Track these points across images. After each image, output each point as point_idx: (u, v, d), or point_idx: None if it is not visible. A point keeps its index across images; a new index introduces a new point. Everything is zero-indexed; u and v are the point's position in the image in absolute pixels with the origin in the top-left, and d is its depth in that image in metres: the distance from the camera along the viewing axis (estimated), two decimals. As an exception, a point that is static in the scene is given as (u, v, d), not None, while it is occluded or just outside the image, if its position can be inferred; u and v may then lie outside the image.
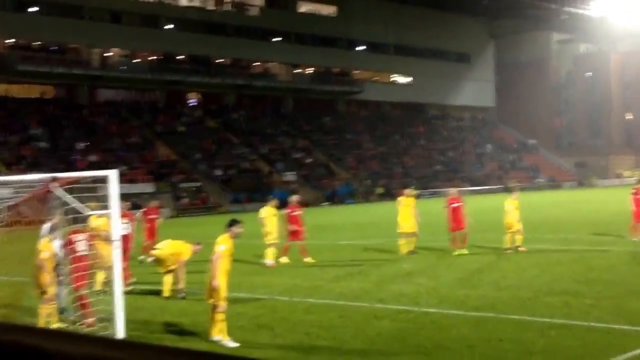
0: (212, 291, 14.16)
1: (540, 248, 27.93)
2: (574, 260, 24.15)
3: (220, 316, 14.08)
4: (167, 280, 20.17)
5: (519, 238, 27.71)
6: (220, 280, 14.10)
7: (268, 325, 15.55)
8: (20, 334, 2.61)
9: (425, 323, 15.21)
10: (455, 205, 28.29)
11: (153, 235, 30.14)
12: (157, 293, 20.29)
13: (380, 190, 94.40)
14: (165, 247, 20.79)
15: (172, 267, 20.16)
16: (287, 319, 16.27)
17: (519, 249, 27.33)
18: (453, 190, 29.95)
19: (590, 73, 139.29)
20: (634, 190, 30.48)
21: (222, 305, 14.08)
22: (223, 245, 14.31)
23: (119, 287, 14.03)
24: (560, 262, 24.00)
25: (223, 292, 14.16)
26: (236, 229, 14.73)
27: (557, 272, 21.60)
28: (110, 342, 2.62)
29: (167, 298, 19.76)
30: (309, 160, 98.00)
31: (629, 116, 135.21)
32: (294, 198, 29.21)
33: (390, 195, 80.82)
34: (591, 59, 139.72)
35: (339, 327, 15.11)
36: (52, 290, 15.73)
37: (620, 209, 36.94)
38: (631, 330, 13.66)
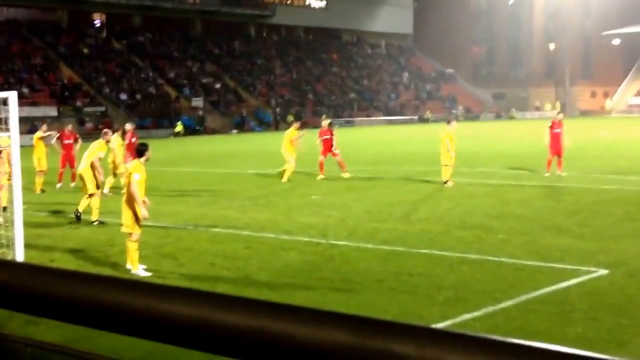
0: (128, 219, 14.12)
1: (454, 181, 27.49)
2: (488, 194, 24.64)
3: (133, 245, 14.11)
4: (94, 205, 20.22)
5: (445, 171, 27.48)
6: (136, 208, 14.06)
7: (172, 255, 15.67)
8: None
9: (333, 256, 15.28)
10: (325, 137, 32.24)
11: (71, 161, 29.41)
12: (59, 222, 20.68)
13: (291, 118, 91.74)
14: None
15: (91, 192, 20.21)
16: (192, 248, 16.40)
17: (445, 184, 27.12)
18: (324, 123, 33.64)
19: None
20: (551, 124, 30.94)
21: (136, 233, 14.10)
22: (137, 173, 14.15)
23: (18, 212, 13.92)
24: (474, 195, 24.43)
25: (137, 220, 14.13)
26: (148, 154, 14.71)
27: (470, 206, 21.85)
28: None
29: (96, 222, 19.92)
30: (217, 86, 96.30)
31: (552, 46, 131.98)
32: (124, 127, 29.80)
33: (303, 123, 78.80)
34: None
35: (244, 258, 15.22)
36: None
37: (537, 143, 37.12)
38: (543, 267, 13.79)
